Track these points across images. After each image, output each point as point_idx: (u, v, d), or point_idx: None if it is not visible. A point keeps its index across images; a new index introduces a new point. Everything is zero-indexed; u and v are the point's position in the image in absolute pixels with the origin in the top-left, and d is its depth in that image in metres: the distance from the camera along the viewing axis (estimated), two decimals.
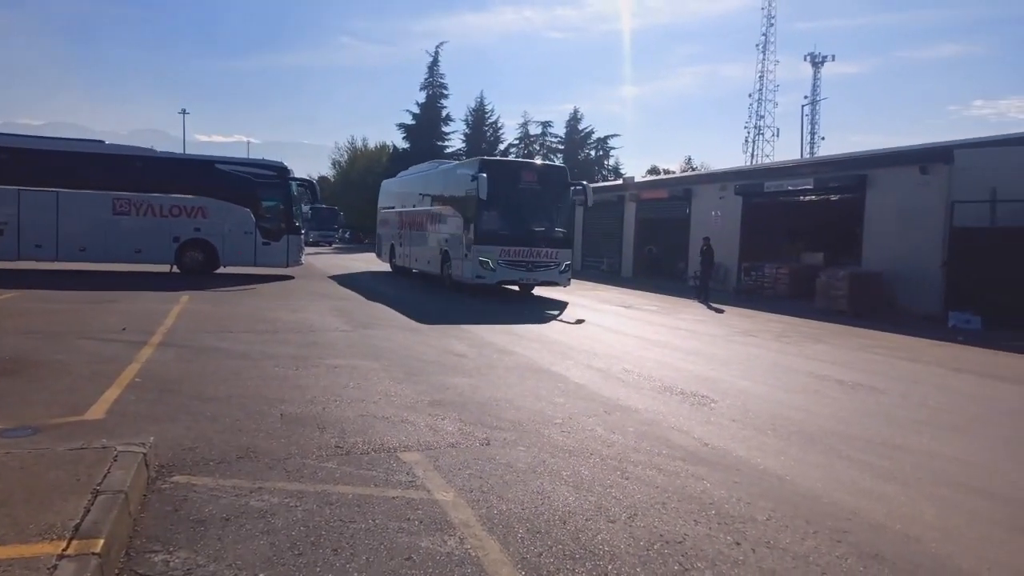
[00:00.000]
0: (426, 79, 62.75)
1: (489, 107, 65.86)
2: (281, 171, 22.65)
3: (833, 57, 79.09)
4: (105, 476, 4.10)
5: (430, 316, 14.32)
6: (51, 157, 20.52)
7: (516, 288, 20.16)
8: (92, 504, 3.70)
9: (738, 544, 4.12)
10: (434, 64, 62.46)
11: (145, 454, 4.62)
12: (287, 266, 22.42)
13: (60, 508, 3.66)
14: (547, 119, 77.72)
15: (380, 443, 5.73)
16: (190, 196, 21.38)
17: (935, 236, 18.54)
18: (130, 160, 21.39)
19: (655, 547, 4.03)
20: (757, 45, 77.92)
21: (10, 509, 3.65)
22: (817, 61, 76.84)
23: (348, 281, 22.44)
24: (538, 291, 20.67)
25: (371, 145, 70.79)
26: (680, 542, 4.12)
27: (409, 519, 4.25)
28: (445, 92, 63.41)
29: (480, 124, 64.94)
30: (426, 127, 61.43)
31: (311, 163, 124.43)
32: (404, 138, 62.74)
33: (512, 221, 18.29)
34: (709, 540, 4.16)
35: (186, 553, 3.70)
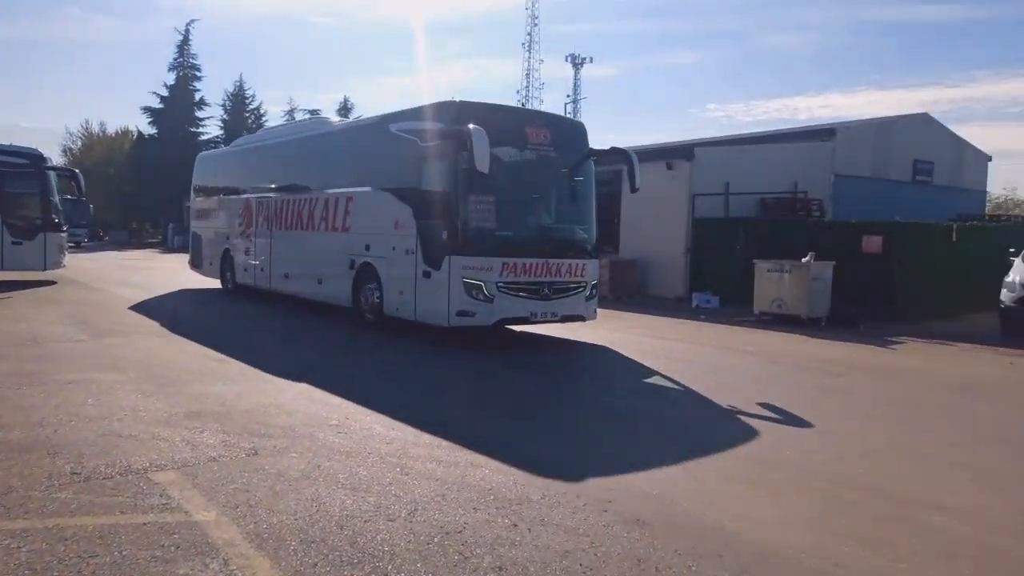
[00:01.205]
0: (175, 59, 57.70)
1: (250, 92, 62.17)
2: (35, 159, 19.53)
3: (591, 59, 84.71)
4: None
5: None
6: None
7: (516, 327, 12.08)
8: None
9: (515, 526, 4.19)
10: (184, 43, 57.57)
11: None
12: (45, 269, 19.12)
13: None
14: (315, 107, 74.61)
15: (127, 465, 5.08)
16: None
17: (681, 226, 20.58)
18: None
19: (435, 540, 3.97)
20: (523, 44, 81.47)
21: None
22: (577, 62, 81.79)
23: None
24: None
25: (110, 131, 63.80)
26: (460, 531, 4.10)
27: (163, 546, 3.79)
28: (198, 74, 58.81)
29: (240, 110, 61.05)
30: (177, 111, 56.50)
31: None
32: (151, 123, 57.20)
33: (517, 215, 11.05)
34: (488, 526, 4.19)
35: None
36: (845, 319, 14.74)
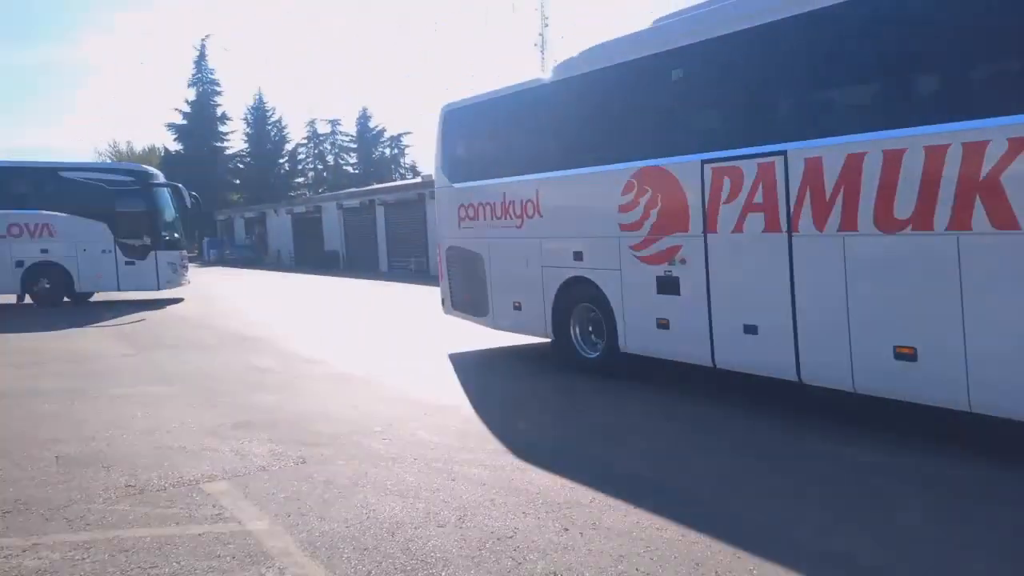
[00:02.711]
0: (194, 75, 58.66)
1: (270, 105, 63.02)
2: (142, 176, 19.31)
3: None
4: None
5: None
6: None
7: None
8: None
9: (566, 530, 4.19)
10: (201, 59, 58.52)
11: None
12: (158, 288, 18.75)
13: None
14: (335, 117, 75.33)
15: (179, 476, 5.18)
16: (32, 212, 18.00)
17: None
18: None
19: (487, 545, 3.98)
20: (535, 44, 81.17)
21: None
22: None
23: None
24: None
25: (137, 149, 65.08)
26: (511, 536, 4.11)
27: (219, 556, 3.86)
28: (218, 88, 59.72)
29: (262, 123, 61.91)
30: (201, 127, 57.46)
31: None
32: (176, 139, 58.26)
33: None
34: (539, 530, 4.19)
35: None
36: None
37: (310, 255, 42.61)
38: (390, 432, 6.33)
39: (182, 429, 6.48)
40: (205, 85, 58.66)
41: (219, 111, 59.37)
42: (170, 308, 17.79)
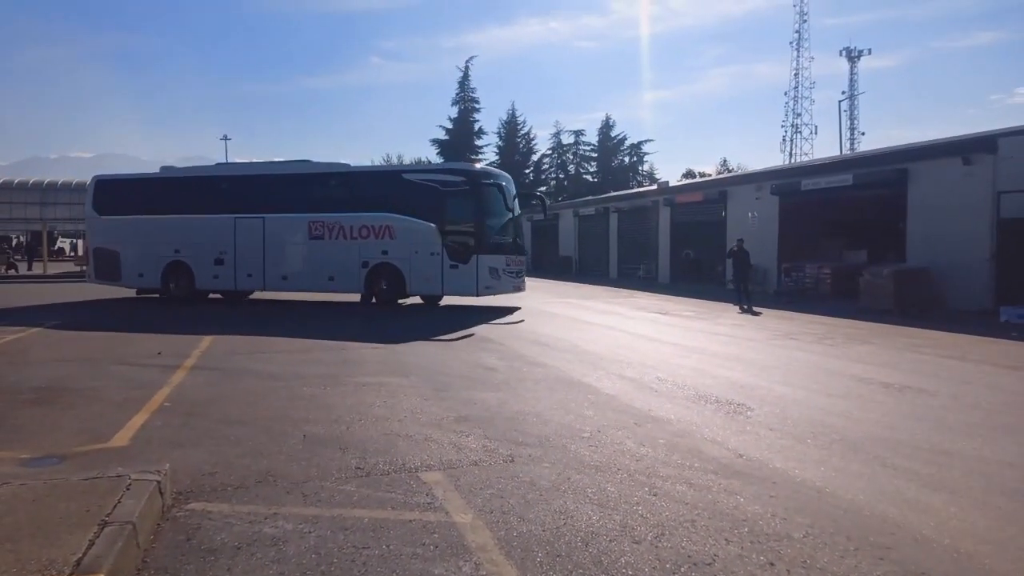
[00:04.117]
0: (457, 94, 63.44)
1: (521, 119, 66.32)
2: (471, 175, 18.75)
3: (870, 51, 77.11)
4: (115, 507, 4.04)
5: None
6: (258, 182, 20.97)
7: None
8: (98, 537, 3.63)
9: (772, 565, 3.87)
10: (464, 79, 63.10)
11: (159, 482, 4.55)
12: (476, 294, 18.18)
13: (65, 542, 3.60)
14: (579, 128, 77.26)
15: (402, 463, 5.59)
16: (377, 213, 18.97)
17: (982, 228, 17.83)
18: (325, 178, 20.14)
19: (682, 570, 3.80)
20: (791, 43, 76.54)
21: (16, 544, 3.60)
22: (853, 55, 75.20)
23: None
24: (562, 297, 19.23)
25: (407, 162, 71.49)
26: (709, 564, 3.88)
27: (424, 544, 4.09)
28: (477, 106, 64.02)
29: (512, 136, 65.28)
30: (459, 141, 62.02)
31: None
32: (438, 153, 63.35)
33: None
34: (741, 561, 3.92)
35: None
36: None
37: (545, 260, 44.04)
38: (597, 438, 6.31)
39: (411, 419, 6.99)
40: (467, 103, 63.18)
41: (476, 126, 63.65)
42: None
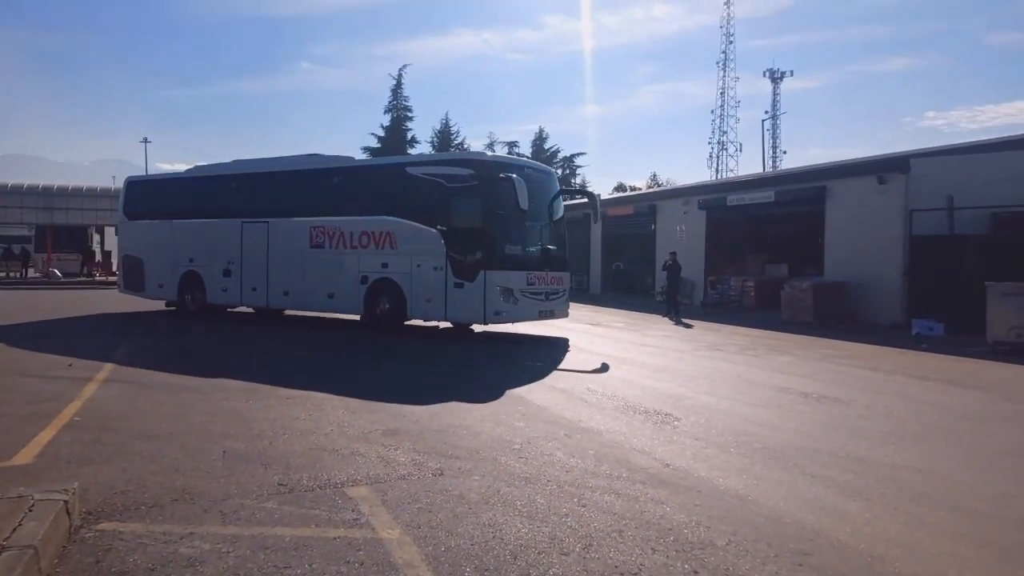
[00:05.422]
0: (390, 102, 62.84)
1: (455, 128, 66.16)
2: (481, 167, 14.00)
3: (792, 72, 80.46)
4: (14, 530, 3.79)
5: None
6: (262, 180, 17.68)
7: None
8: None
9: (695, 572, 3.92)
10: (398, 87, 62.57)
11: (67, 501, 4.29)
12: (484, 321, 13.75)
13: None
14: (513, 139, 77.80)
15: (327, 478, 5.45)
16: (377, 217, 15.14)
17: (895, 245, 18.73)
18: (327, 174, 16.38)
19: None
20: (717, 63, 79.21)
21: None
22: (776, 77, 78.18)
23: None
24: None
25: None
26: (636, 573, 3.90)
27: (349, 562, 3.98)
28: (410, 115, 63.54)
29: (446, 145, 65.11)
30: (392, 150, 61.37)
31: None
32: None
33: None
34: (666, 570, 3.95)
35: None
36: None
37: None
38: (528, 450, 6.30)
39: (338, 432, 6.83)
40: (400, 111, 62.70)
41: (409, 135, 63.23)
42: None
